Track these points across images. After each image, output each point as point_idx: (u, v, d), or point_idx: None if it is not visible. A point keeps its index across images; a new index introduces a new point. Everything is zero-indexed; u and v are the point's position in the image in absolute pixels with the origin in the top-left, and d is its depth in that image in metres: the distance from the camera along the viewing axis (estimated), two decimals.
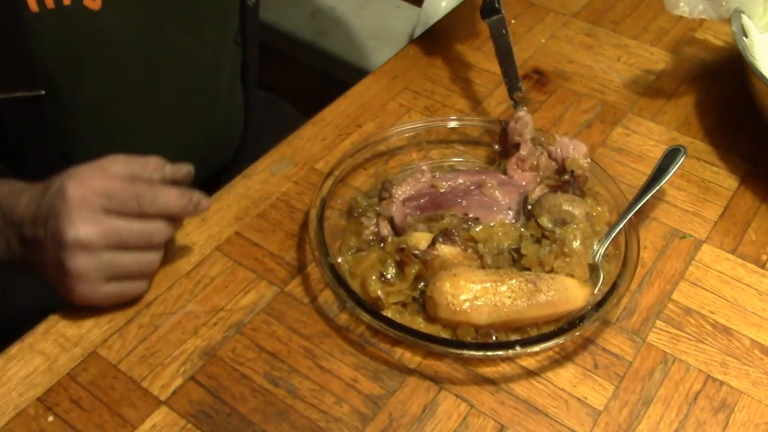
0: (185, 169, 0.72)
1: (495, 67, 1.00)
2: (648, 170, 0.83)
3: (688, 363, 0.71)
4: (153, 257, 0.71)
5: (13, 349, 0.69)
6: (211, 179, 1.00)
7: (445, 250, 0.72)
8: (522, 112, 0.85)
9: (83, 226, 0.65)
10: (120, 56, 0.83)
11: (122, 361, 0.69)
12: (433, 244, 0.72)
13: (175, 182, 0.72)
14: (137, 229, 0.68)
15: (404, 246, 0.72)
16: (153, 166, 0.71)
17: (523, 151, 0.82)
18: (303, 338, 0.71)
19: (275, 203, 0.83)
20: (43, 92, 0.78)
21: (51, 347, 0.70)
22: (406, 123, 0.87)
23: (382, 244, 0.76)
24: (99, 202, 0.65)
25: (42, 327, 0.71)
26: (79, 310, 0.71)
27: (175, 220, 0.71)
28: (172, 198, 0.69)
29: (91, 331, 0.71)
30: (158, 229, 0.69)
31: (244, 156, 1.01)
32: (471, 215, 0.77)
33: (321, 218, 0.75)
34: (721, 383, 0.70)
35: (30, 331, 0.71)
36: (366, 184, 0.84)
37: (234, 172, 0.87)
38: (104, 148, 0.74)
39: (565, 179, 0.80)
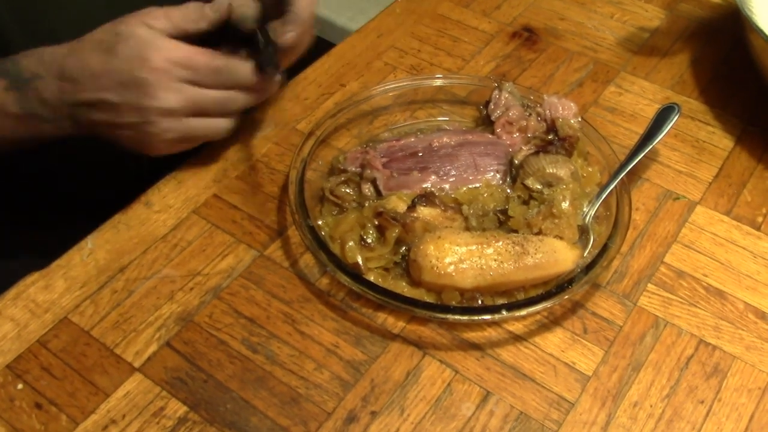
0: (224, 6, 0.71)
1: (483, 25, 0.98)
2: (641, 130, 0.80)
3: (680, 327, 0.69)
4: (224, 124, 0.74)
5: None
6: None
7: (424, 212, 0.70)
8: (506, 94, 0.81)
9: (170, 95, 0.68)
10: (81, 10, 0.79)
11: (95, 327, 0.67)
12: (412, 206, 0.70)
13: (222, 21, 0.71)
14: (214, 97, 0.71)
15: (382, 209, 0.69)
16: (194, 15, 0.71)
17: (512, 114, 0.79)
18: (283, 303, 0.69)
19: (255, 165, 0.80)
20: None
21: (21, 313, 0.67)
22: (390, 82, 0.83)
23: (364, 206, 0.73)
24: (183, 73, 0.69)
25: (12, 292, 0.69)
26: (50, 275, 0.69)
27: (250, 90, 0.73)
28: (249, 73, 0.71)
29: (62, 296, 0.68)
30: (233, 98, 0.72)
31: None
32: (452, 179, 0.74)
33: (302, 180, 0.73)
34: (714, 347, 0.68)
35: None
36: (349, 145, 0.81)
37: None
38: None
39: (549, 139, 0.77)
